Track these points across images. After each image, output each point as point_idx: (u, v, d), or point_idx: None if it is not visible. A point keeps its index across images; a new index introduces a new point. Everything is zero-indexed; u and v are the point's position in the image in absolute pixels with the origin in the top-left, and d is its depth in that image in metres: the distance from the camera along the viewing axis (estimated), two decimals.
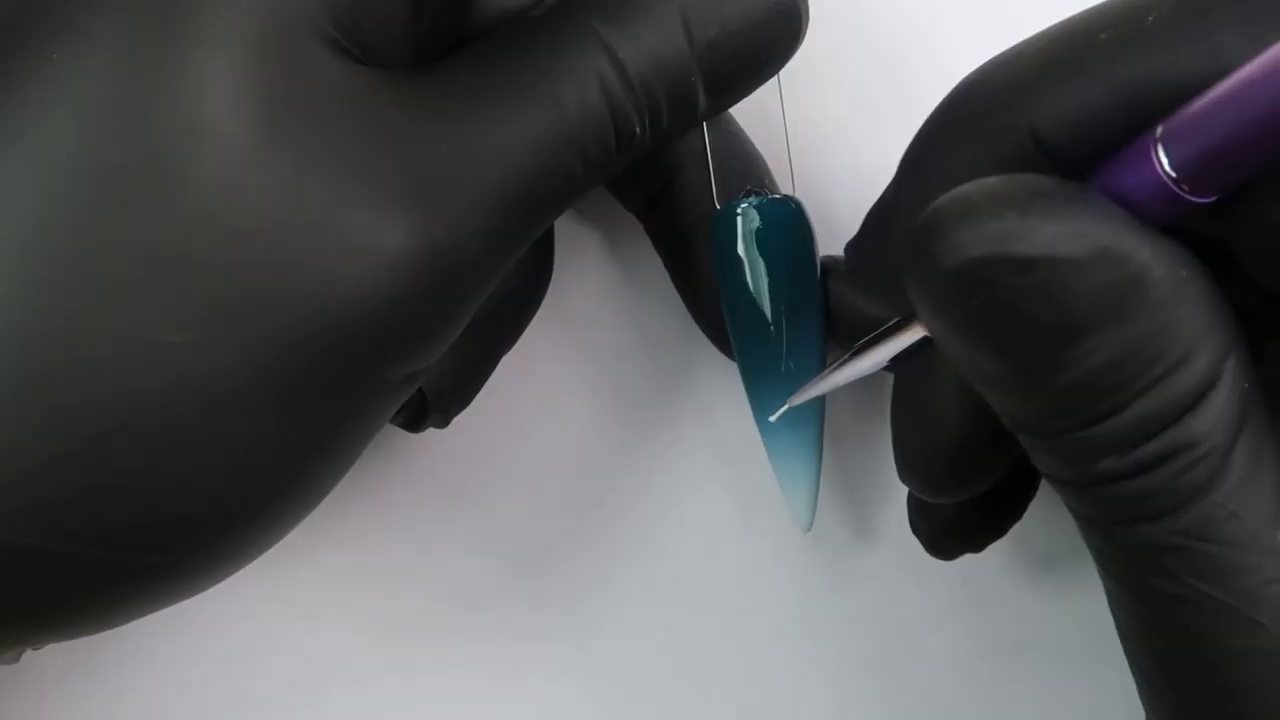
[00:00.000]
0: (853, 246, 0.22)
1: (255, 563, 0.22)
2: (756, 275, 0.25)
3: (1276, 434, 0.17)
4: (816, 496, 0.26)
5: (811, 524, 0.26)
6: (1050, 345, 0.16)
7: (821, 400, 0.26)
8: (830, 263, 0.25)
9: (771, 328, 0.25)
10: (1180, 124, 0.16)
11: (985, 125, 0.18)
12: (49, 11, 0.19)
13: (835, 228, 0.27)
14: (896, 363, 0.22)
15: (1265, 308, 0.18)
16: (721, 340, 0.26)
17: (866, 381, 0.28)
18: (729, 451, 0.28)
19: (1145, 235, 0.16)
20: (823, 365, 0.26)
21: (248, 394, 0.19)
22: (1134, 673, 0.18)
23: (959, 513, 0.24)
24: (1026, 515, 0.25)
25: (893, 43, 0.27)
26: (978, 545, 0.24)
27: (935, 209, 0.17)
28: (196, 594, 0.22)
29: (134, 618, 0.21)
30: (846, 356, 0.23)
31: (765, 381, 0.25)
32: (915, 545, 0.27)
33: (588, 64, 0.21)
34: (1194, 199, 0.16)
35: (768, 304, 0.25)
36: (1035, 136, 0.18)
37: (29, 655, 0.23)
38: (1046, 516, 0.27)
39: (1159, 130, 0.16)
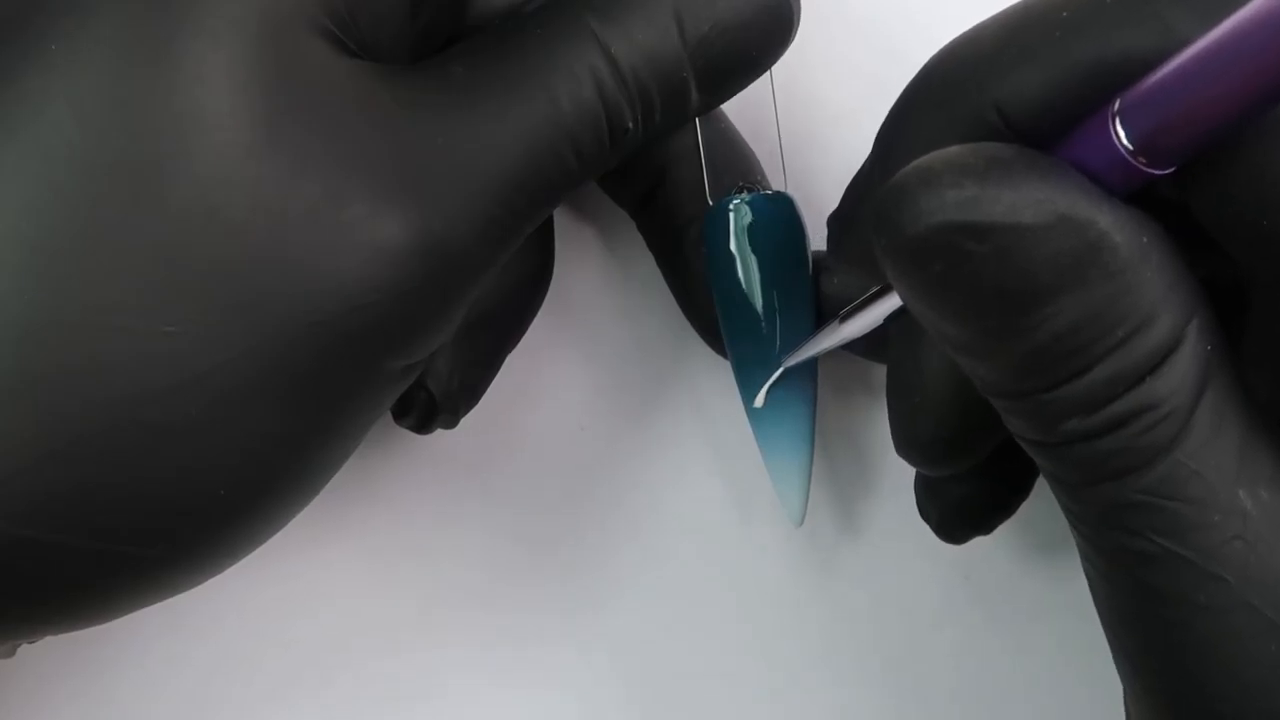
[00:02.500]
0: (833, 220, 0.22)
1: (255, 559, 0.22)
2: (749, 271, 0.25)
3: (1241, 396, 0.18)
4: (808, 490, 0.26)
5: (803, 518, 0.26)
6: (1013, 310, 0.17)
7: (812, 395, 0.26)
8: (822, 258, 0.26)
9: (763, 323, 0.25)
10: (1136, 98, 0.17)
11: (952, 101, 0.19)
12: (47, 4, 0.19)
13: None
14: (883, 328, 0.23)
15: (1232, 276, 0.18)
16: (713, 336, 0.26)
17: (858, 376, 0.28)
18: (723, 447, 0.28)
19: (1105, 202, 0.17)
20: (814, 361, 0.26)
21: (247, 386, 0.19)
22: (1106, 632, 0.19)
23: (966, 493, 0.24)
24: (1025, 507, 0.25)
25: (885, 38, 0.27)
26: (987, 526, 0.24)
27: (898, 179, 0.17)
28: (194, 586, 0.22)
29: (131, 610, 0.21)
30: (833, 323, 0.23)
31: (757, 377, 0.25)
32: (908, 539, 0.27)
33: (581, 59, 0.21)
34: (1151, 170, 0.17)
35: (759, 300, 0.25)
36: (1000, 112, 0.18)
37: (24, 649, 0.23)
38: (1045, 509, 0.27)
39: (1116, 104, 0.17)
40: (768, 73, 0.24)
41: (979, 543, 0.27)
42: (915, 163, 0.17)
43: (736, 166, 0.26)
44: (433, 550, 0.28)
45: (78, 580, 0.20)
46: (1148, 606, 0.17)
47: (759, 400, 0.25)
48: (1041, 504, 0.27)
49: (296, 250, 0.19)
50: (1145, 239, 0.17)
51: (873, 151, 0.21)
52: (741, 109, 0.25)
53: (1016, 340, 0.17)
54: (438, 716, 0.28)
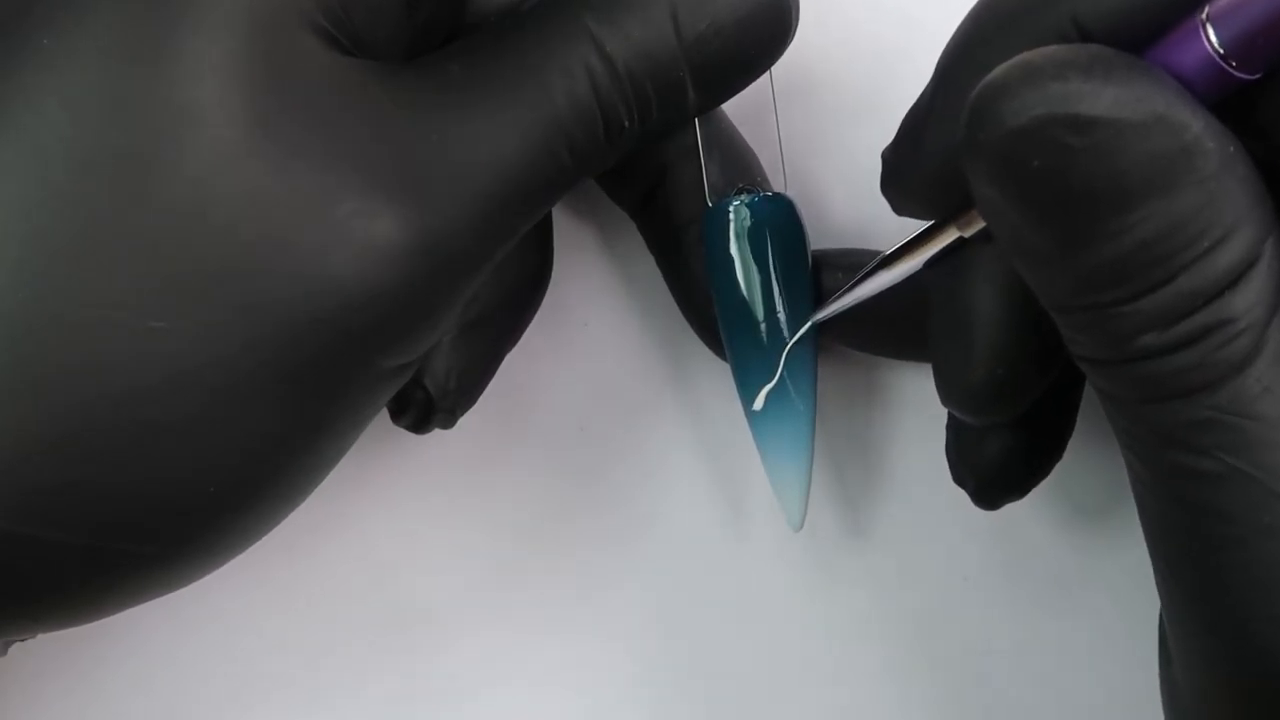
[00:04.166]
0: (890, 151, 0.22)
1: (250, 557, 0.22)
2: (748, 273, 0.25)
3: None
4: (807, 495, 0.26)
5: (803, 522, 0.26)
6: (1103, 213, 0.17)
7: (812, 398, 0.26)
8: (822, 258, 0.26)
9: (763, 325, 0.25)
10: (1228, 2, 0.17)
11: (1027, 17, 0.18)
12: (43, 0, 0.19)
13: (828, 225, 0.27)
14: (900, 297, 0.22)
15: None
16: (712, 338, 0.26)
17: (858, 379, 0.28)
18: (722, 449, 0.28)
19: (1198, 108, 0.17)
20: (814, 364, 0.26)
21: (242, 384, 0.19)
22: (1153, 557, 0.19)
23: (1004, 451, 0.24)
24: (1021, 509, 0.25)
25: (886, 39, 0.27)
26: (1022, 487, 0.24)
27: (996, 75, 0.17)
28: (189, 584, 0.22)
29: (124, 608, 0.21)
30: (873, 264, 0.23)
31: (756, 380, 0.25)
32: (907, 541, 0.27)
33: (577, 57, 0.21)
34: (1240, 75, 0.17)
35: (759, 302, 0.25)
36: (1079, 26, 0.18)
37: (17, 647, 0.23)
38: (1042, 511, 0.27)
39: (1207, 10, 0.17)
40: (768, 74, 0.24)
41: (976, 543, 0.27)
42: (1012, 60, 0.17)
43: (737, 167, 0.26)
44: (430, 550, 0.28)
45: (72, 577, 0.20)
46: (1205, 526, 0.17)
47: (758, 403, 0.25)
48: (1038, 506, 0.27)
49: (290, 247, 0.19)
50: (1232, 149, 0.17)
51: (934, 78, 0.21)
52: (742, 110, 0.25)
53: (1102, 246, 0.17)
54: (435, 715, 0.28)
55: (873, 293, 0.23)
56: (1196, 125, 0.17)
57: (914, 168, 0.21)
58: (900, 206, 0.22)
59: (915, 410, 0.28)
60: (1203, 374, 0.17)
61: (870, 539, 0.28)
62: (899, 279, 0.23)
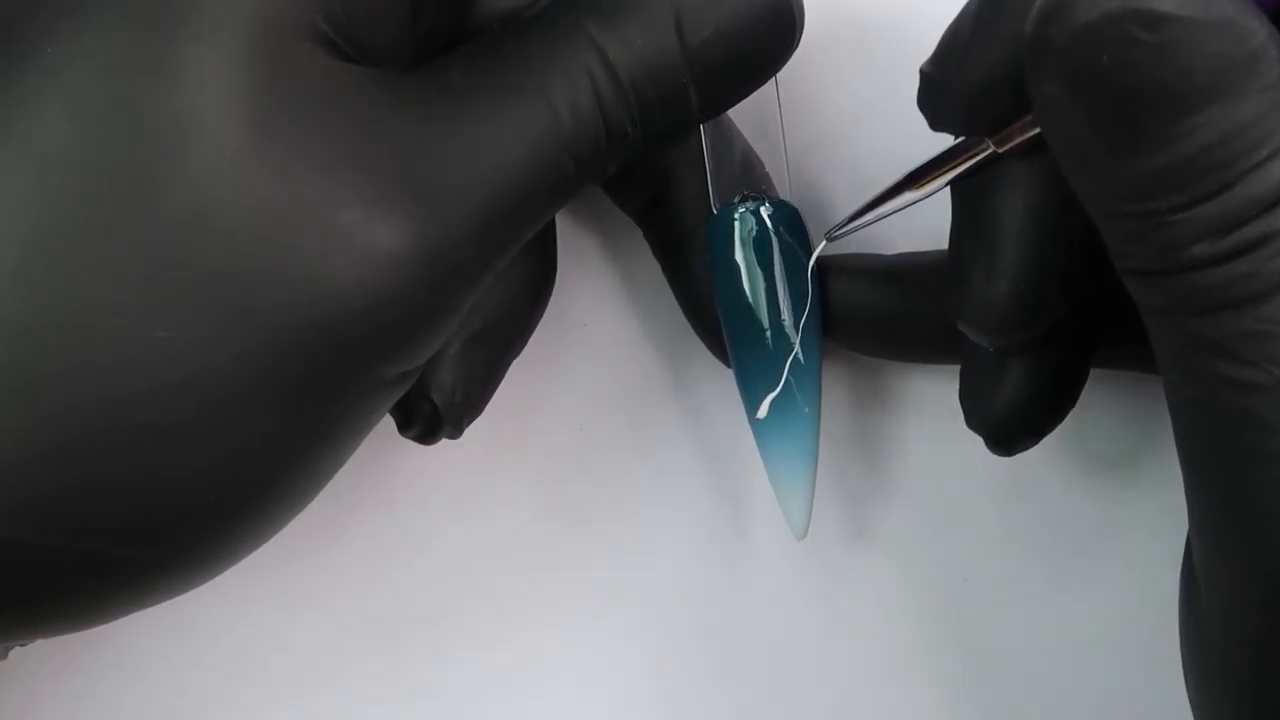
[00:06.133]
0: (931, 65, 0.22)
1: (256, 562, 0.22)
2: (753, 280, 0.25)
3: None
4: (811, 503, 0.26)
5: (806, 531, 0.26)
6: (1167, 113, 0.17)
7: (816, 405, 0.26)
8: (828, 262, 0.25)
9: (767, 332, 0.25)
10: None
11: None
12: (45, 6, 0.19)
13: None
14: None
15: None
16: (716, 345, 0.26)
17: (863, 385, 0.28)
18: (726, 456, 0.28)
19: (1263, 17, 0.17)
20: (819, 371, 0.25)
21: (241, 390, 0.19)
22: (1188, 482, 0.19)
23: (1018, 394, 0.23)
24: (1020, 511, 0.24)
25: (892, 47, 0.27)
26: (1038, 428, 0.24)
27: None
28: (189, 590, 0.22)
29: (123, 614, 0.21)
30: (898, 181, 0.23)
31: (760, 387, 0.25)
32: (913, 550, 0.27)
33: (579, 63, 0.21)
34: None
35: (763, 309, 0.25)
36: None
37: (16, 652, 0.23)
38: (1040, 513, 0.27)
39: None
40: (773, 79, 0.24)
41: (977, 545, 0.27)
42: None
43: (741, 174, 0.25)
44: (430, 550, 0.28)
45: (69, 582, 0.20)
46: (1247, 439, 0.17)
47: (762, 410, 0.25)
48: (1036, 508, 0.27)
49: (291, 254, 0.19)
50: None
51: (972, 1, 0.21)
52: (747, 117, 0.25)
53: (1163, 149, 0.17)
54: (435, 715, 0.28)
55: (897, 210, 0.23)
56: (1262, 33, 0.17)
57: (959, 80, 0.21)
58: (938, 122, 0.22)
59: (921, 415, 0.28)
60: (1253, 285, 0.17)
61: (873, 541, 0.28)
62: (925, 197, 0.23)
